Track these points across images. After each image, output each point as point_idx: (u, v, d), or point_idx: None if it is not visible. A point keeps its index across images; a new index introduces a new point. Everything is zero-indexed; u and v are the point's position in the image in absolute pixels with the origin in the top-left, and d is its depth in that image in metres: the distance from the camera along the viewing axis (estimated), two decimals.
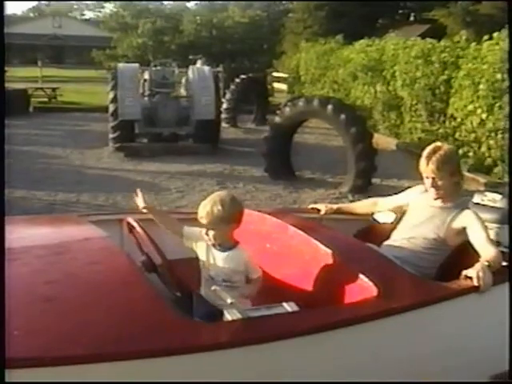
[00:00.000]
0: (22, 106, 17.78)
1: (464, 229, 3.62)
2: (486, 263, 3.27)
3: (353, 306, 3.00)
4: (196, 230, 3.15)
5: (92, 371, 2.32)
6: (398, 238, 3.85)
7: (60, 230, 3.76)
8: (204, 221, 3.01)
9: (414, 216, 3.87)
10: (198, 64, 17.24)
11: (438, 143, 3.81)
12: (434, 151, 3.67)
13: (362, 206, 4.43)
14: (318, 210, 4.35)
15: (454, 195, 3.77)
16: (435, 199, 3.76)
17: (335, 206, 4.45)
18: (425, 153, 3.70)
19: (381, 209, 4.29)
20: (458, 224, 3.65)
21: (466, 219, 3.63)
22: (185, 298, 3.12)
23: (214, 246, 3.10)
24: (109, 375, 2.34)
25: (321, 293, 3.24)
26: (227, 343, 2.57)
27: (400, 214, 4.07)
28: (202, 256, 3.15)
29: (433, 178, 3.67)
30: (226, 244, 3.10)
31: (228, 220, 3.02)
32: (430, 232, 3.71)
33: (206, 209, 3.00)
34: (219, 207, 2.97)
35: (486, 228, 3.61)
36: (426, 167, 3.67)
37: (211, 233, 3.03)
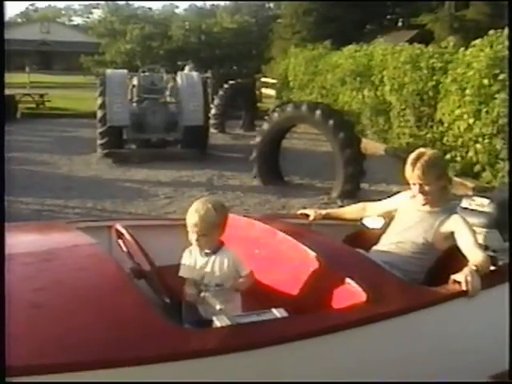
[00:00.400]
0: (9, 112, 17.67)
1: (452, 233, 3.63)
2: (474, 267, 3.28)
3: (341, 312, 3.00)
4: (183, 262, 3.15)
5: (80, 378, 2.30)
6: (386, 243, 3.86)
7: (48, 236, 3.74)
8: (197, 227, 2.98)
9: (402, 220, 3.88)
10: (187, 70, 17.25)
11: (422, 149, 3.81)
12: (419, 157, 3.66)
13: (350, 211, 4.42)
14: (307, 216, 4.35)
15: (442, 199, 3.77)
16: (423, 205, 3.76)
17: (324, 212, 4.45)
18: (409, 159, 3.69)
19: (369, 214, 4.29)
20: (445, 228, 3.66)
21: (454, 224, 3.64)
22: (174, 305, 3.10)
23: (203, 252, 3.08)
24: (97, 382, 2.33)
25: (310, 298, 3.24)
26: (216, 349, 2.56)
27: (389, 218, 4.08)
28: (191, 265, 3.12)
29: (420, 184, 3.66)
30: (214, 248, 3.09)
31: (219, 225, 3.02)
32: (418, 236, 3.72)
33: (199, 214, 2.97)
34: (213, 212, 2.97)
35: (473, 232, 3.62)
36: (412, 173, 3.66)
37: (203, 239, 3.02)
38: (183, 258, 3.15)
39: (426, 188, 3.67)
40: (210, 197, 3.18)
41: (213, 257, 3.07)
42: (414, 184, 3.70)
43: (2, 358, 2.05)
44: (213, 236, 3.04)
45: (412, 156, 3.69)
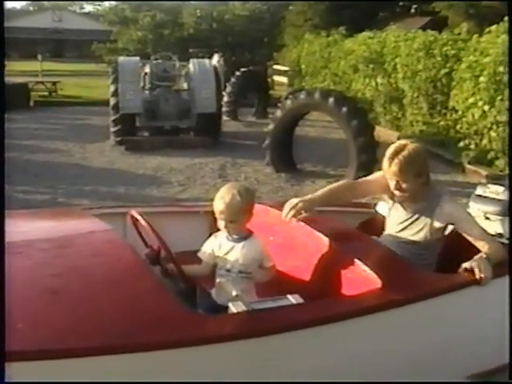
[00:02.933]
0: (22, 101, 17.72)
1: (452, 223, 3.51)
2: (485, 255, 3.27)
3: (357, 298, 3.01)
4: (206, 245, 3.19)
5: (96, 364, 2.32)
6: (393, 227, 3.74)
7: (63, 223, 3.76)
8: (224, 214, 3.01)
9: (394, 224, 3.68)
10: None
11: (403, 141, 3.52)
12: (397, 152, 3.38)
13: (337, 191, 3.69)
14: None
15: (424, 196, 3.52)
16: (399, 202, 3.57)
17: (315, 200, 3.55)
18: (387, 153, 3.43)
19: (360, 196, 3.91)
20: (441, 222, 3.49)
21: (450, 216, 3.47)
22: (188, 291, 3.12)
23: (231, 238, 3.11)
24: (113, 368, 2.35)
25: (324, 285, 3.24)
26: (232, 335, 2.57)
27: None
28: (218, 251, 3.15)
29: (396, 181, 3.42)
30: (242, 234, 3.11)
31: (246, 210, 3.06)
32: (414, 236, 3.55)
33: (224, 201, 3.00)
34: (238, 198, 2.99)
35: (473, 219, 3.54)
36: (388, 169, 3.41)
37: (231, 225, 3.05)
38: (207, 242, 3.17)
39: (403, 185, 3.42)
40: (236, 182, 3.17)
41: (241, 243, 3.09)
42: (391, 180, 3.45)
43: (3, 356, 2.06)
44: (240, 222, 3.07)
45: (390, 150, 3.43)
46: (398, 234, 3.61)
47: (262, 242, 3.15)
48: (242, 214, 3.04)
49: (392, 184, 3.45)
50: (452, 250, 3.63)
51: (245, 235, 3.11)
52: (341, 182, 3.88)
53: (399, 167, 3.34)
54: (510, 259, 3.40)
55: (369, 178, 3.82)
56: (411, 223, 3.55)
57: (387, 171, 3.43)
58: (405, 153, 3.36)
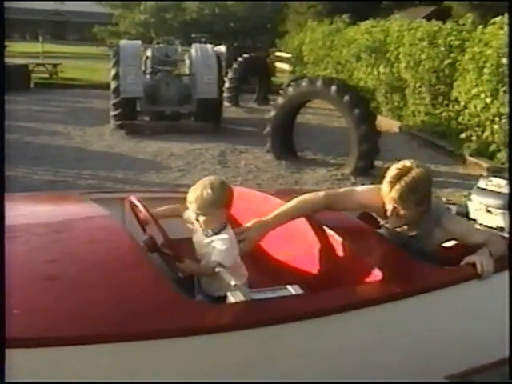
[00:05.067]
0: (22, 82, 17.66)
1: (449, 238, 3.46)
2: (487, 250, 3.25)
3: (357, 290, 2.98)
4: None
5: (92, 352, 2.29)
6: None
7: (61, 207, 3.72)
8: (193, 206, 2.94)
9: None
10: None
11: (407, 162, 3.19)
12: (400, 176, 3.12)
13: (300, 208, 3.41)
14: None
15: (420, 223, 3.32)
16: (394, 228, 3.36)
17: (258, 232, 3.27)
18: (389, 174, 3.17)
19: (338, 208, 3.54)
20: (439, 240, 3.42)
21: (450, 233, 3.37)
22: (186, 279, 3.09)
23: (204, 231, 3.03)
24: (110, 356, 2.31)
25: (325, 275, 3.21)
26: (230, 325, 2.54)
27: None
28: (195, 242, 3.11)
29: (394, 207, 3.17)
30: (215, 229, 3.02)
31: (218, 204, 2.95)
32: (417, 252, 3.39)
33: (195, 193, 2.93)
34: (209, 191, 2.91)
35: (470, 225, 3.50)
36: (388, 194, 3.15)
37: (201, 218, 2.96)
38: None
39: (401, 212, 3.18)
40: (213, 176, 3.06)
41: (213, 237, 3.00)
42: (388, 203, 3.20)
43: (2, 357, 2.03)
44: (212, 215, 2.96)
45: (393, 172, 3.16)
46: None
47: (231, 235, 3.01)
48: (214, 208, 2.93)
49: (389, 208, 3.20)
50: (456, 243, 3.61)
51: (218, 229, 3.01)
52: (322, 193, 3.48)
53: (399, 194, 3.10)
54: (510, 253, 3.38)
55: (361, 189, 3.55)
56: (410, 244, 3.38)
57: (386, 195, 3.17)
58: (408, 179, 3.10)
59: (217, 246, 2.95)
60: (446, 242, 3.52)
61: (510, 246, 3.45)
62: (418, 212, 3.21)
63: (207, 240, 3.02)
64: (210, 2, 40.98)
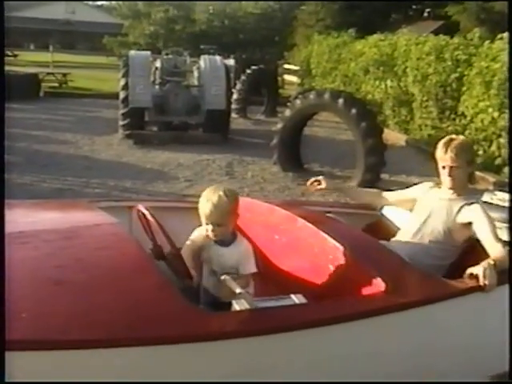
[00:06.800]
0: (32, 91, 17.80)
1: (470, 223, 3.61)
2: (492, 262, 3.26)
3: (360, 300, 3.01)
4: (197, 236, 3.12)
5: (99, 356, 2.33)
6: (405, 234, 3.86)
7: (69, 215, 3.77)
8: (212, 217, 2.93)
9: (422, 210, 3.87)
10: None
11: (453, 135, 3.83)
12: (451, 140, 3.70)
13: (366, 193, 4.47)
14: (319, 183, 4.22)
15: (467, 188, 3.79)
16: (449, 188, 3.76)
17: (339, 185, 4.44)
18: (441, 143, 3.72)
19: (385, 201, 4.27)
20: (464, 217, 3.66)
21: (473, 214, 3.63)
22: (192, 287, 3.12)
23: (217, 241, 3.05)
24: (116, 361, 2.35)
25: (328, 286, 3.24)
26: (235, 333, 2.58)
27: (405, 208, 4.07)
28: (206, 255, 3.11)
29: (450, 167, 3.67)
30: (229, 237, 3.06)
31: (233, 212, 2.98)
32: (438, 224, 3.72)
33: (212, 203, 2.91)
34: (226, 199, 2.91)
35: (493, 225, 3.59)
36: (445, 155, 3.66)
37: (219, 229, 2.97)
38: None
39: (456, 171, 3.67)
40: (219, 185, 3.07)
41: (226, 248, 3.03)
42: (444, 167, 3.70)
43: (2, 356, 2.07)
44: (227, 225, 3.00)
45: (444, 140, 3.73)
46: (423, 222, 3.80)
47: (247, 244, 3.08)
48: (230, 217, 2.97)
49: (445, 172, 3.71)
50: (466, 259, 3.64)
51: (231, 238, 3.05)
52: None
53: (456, 152, 3.62)
54: (510, 265, 3.39)
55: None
56: (440, 209, 3.75)
57: (442, 158, 3.68)
58: (459, 141, 3.70)
59: (238, 255, 3.01)
60: (463, 233, 3.70)
61: (510, 258, 3.47)
62: (468, 173, 3.76)
63: (225, 250, 3.04)
64: (220, 14, 41.19)
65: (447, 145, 3.67)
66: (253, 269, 3.03)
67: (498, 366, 3.36)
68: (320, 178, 4.24)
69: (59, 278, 2.65)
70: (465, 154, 3.67)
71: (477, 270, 3.23)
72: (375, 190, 4.43)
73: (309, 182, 4.27)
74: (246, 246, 3.07)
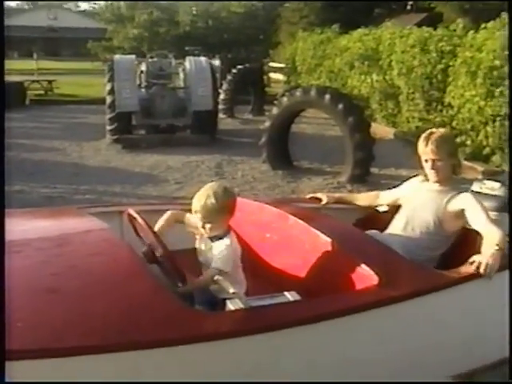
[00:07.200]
0: (18, 99, 17.72)
1: (462, 211, 3.62)
2: (496, 247, 3.25)
3: (353, 295, 3.02)
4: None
5: (95, 363, 2.33)
6: (397, 227, 3.87)
7: (60, 222, 3.76)
8: (199, 214, 3.00)
9: (412, 202, 3.89)
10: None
11: (434, 129, 3.88)
12: (432, 133, 3.75)
13: (364, 197, 4.44)
14: (319, 200, 4.35)
15: (452, 179, 3.83)
16: (434, 182, 3.79)
17: (336, 195, 4.48)
18: (422, 136, 3.78)
19: (382, 202, 4.30)
20: (455, 206, 3.67)
21: (464, 201, 3.66)
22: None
23: (210, 238, 3.09)
24: (112, 366, 2.35)
25: (322, 282, 3.25)
26: (230, 333, 2.58)
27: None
28: (199, 247, 3.17)
29: (432, 160, 3.72)
30: (220, 234, 3.08)
31: (223, 211, 3.02)
32: (428, 215, 3.74)
33: (200, 203, 2.98)
34: (213, 200, 2.96)
35: (486, 209, 3.60)
36: (425, 148, 3.72)
37: (208, 226, 3.02)
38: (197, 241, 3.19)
39: (438, 164, 3.72)
40: (215, 183, 3.12)
41: (217, 243, 3.07)
42: (427, 160, 3.76)
43: (3, 356, 2.06)
44: (217, 222, 3.03)
45: (425, 134, 3.79)
46: (413, 214, 3.82)
47: (233, 241, 3.10)
48: (219, 215, 3.01)
49: (427, 165, 3.77)
50: (458, 249, 3.66)
51: (221, 235, 3.08)
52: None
53: (436, 145, 3.68)
54: (510, 256, 3.40)
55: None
56: (429, 201, 3.78)
57: (424, 151, 3.74)
58: (438, 134, 3.75)
59: (216, 252, 3.02)
60: (454, 223, 3.73)
61: (510, 247, 3.48)
62: (451, 164, 3.78)
63: (209, 246, 3.09)
64: (203, 15, 41.13)
65: (427, 138, 3.73)
66: (226, 267, 2.98)
67: (496, 356, 3.37)
68: (319, 194, 4.42)
69: (53, 286, 2.65)
70: (445, 146, 3.72)
71: (479, 257, 3.23)
72: (373, 193, 4.44)
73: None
74: (229, 246, 3.05)
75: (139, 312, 2.52)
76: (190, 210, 3.13)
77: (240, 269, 3.16)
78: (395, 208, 4.09)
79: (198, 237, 3.19)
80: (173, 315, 2.53)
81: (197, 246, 3.19)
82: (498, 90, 9.64)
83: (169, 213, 3.34)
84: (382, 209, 4.31)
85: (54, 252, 3.02)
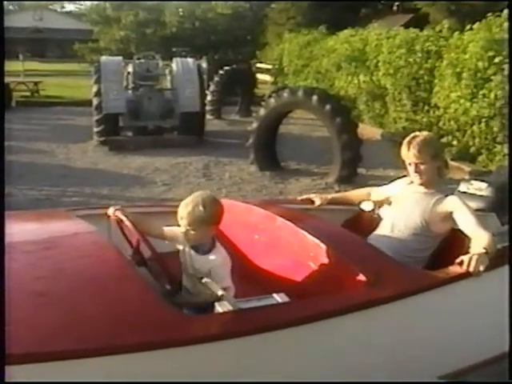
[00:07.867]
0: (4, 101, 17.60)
1: (450, 214, 3.63)
2: (484, 250, 3.22)
3: (342, 296, 3.02)
4: (176, 230, 3.10)
5: (85, 365, 2.32)
6: (384, 228, 3.88)
7: (47, 225, 3.74)
8: (184, 221, 2.95)
9: (398, 204, 3.89)
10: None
11: (417, 132, 3.87)
12: (414, 137, 3.74)
13: (356, 195, 4.41)
14: (312, 202, 4.31)
15: (437, 181, 3.81)
16: (419, 184, 3.79)
17: (329, 196, 4.45)
18: (405, 140, 3.77)
19: (374, 199, 4.27)
20: (442, 208, 3.67)
21: (451, 204, 3.66)
22: (174, 291, 3.11)
23: (193, 247, 3.04)
24: (102, 369, 2.34)
25: (310, 283, 3.25)
26: (219, 335, 2.58)
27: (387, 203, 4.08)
28: (182, 256, 3.12)
29: (415, 164, 3.71)
30: (206, 245, 3.04)
31: (209, 221, 2.97)
32: (415, 217, 3.73)
33: (187, 209, 2.94)
34: (201, 208, 2.92)
35: (473, 213, 3.61)
36: (408, 152, 3.71)
37: (192, 233, 2.98)
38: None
39: (422, 167, 3.70)
40: (203, 191, 3.08)
41: (200, 256, 3.02)
42: (410, 164, 3.75)
43: (3, 356, 2.05)
44: (203, 232, 2.98)
45: (407, 138, 3.77)
46: (400, 216, 3.81)
47: (223, 257, 3.03)
48: (204, 224, 2.95)
49: (411, 169, 3.75)
50: (447, 250, 3.67)
51: (208, 247, 3.03)
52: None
53: (418, 149, 3.67)
54: (510, 253, 3.41)
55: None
56: (416, 203, 3.77)
57: (406, 155, 3.74)
58: (421, 137, 3.73)
59: (215, 267, 2.96)
60: (442, 225, 3.71)
61: (510, 247, 3.50)
62: (435, 167, 3.75)
63: (200, 257, 3.02)
64: (190, 16, 41.09)
65: (409, 142, 3.72)
66: (226, 283, 2.98)
67: (485, 355, 3.39)
68: (312, 196, 4.38)
69: (41, 290, 2.63)
70: (428, 149, 3.69)
71: (467, 257, 3.18)
72: (365, 192, 4.38)
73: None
74: (222, 259, 3.02)
75: (128, 315, 2.51)
76: (176, 213, 3.11)
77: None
78: (380, 207, 4.08)
79: (180, 247, 3.13)
80: (162, 318, 2.52)
81: (182, 254, 3.13)
82: (481, 93, 9.70)
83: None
84: (366, 208, 4.27)
85: (42, 255, 3.00)
